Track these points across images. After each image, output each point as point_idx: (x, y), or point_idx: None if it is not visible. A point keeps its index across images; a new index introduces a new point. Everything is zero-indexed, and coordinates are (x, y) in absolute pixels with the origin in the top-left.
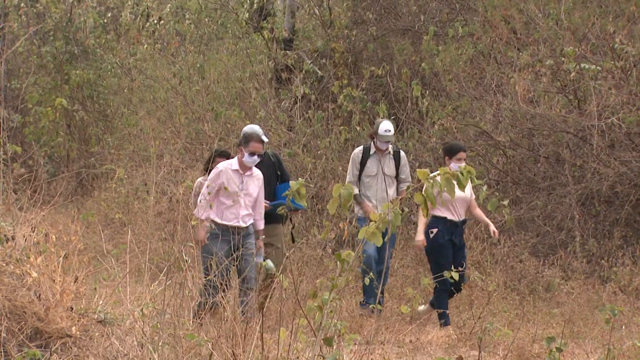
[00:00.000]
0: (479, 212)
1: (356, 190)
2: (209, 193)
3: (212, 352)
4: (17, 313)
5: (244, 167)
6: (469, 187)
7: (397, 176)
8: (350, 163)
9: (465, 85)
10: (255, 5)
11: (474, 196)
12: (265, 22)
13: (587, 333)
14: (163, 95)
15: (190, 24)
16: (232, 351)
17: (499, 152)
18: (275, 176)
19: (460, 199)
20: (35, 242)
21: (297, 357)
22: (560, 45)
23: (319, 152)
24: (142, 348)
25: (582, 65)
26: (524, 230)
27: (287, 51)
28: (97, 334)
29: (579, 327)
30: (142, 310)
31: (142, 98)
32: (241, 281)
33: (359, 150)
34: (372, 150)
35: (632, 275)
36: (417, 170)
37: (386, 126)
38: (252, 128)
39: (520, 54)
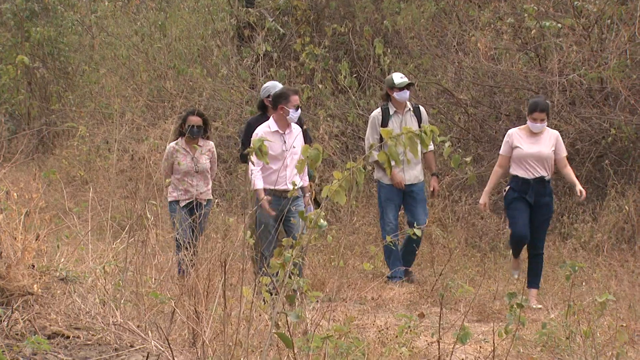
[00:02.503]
0: (568, 170)
1: (374, 157)
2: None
3: (174, 310)
4: None
5: (283, 126)
6: (549, 145)
7: None
8: (369, 127)
9: (427, 43)
10: None
11: (563, 154)
12: None
13: (548, 289)
14: (124, 53)
15: None
16: (195, 309)
17: (460, 110)
18: None
19: (533, 156)
20: None
21: (260, 315)
22: (521, 2)
23: None
24: (104, 306)
25: (543, 22)
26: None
27: (249, 8)
28: (59, 291)
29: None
30: (104, 268)
31: (104, 55)
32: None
33: (377, 112)
34: (392, 110)
35: (592, 232)
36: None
37: (399, 74)
38: (276, 84)
39: (482, 11)
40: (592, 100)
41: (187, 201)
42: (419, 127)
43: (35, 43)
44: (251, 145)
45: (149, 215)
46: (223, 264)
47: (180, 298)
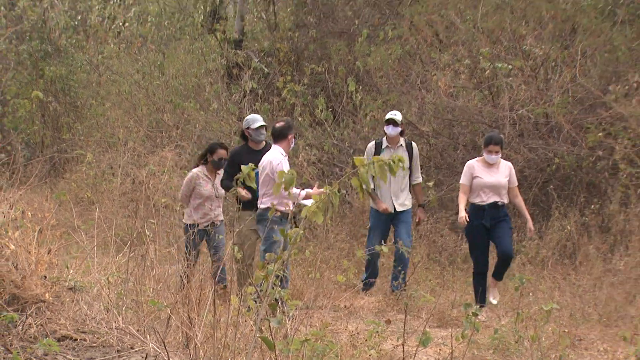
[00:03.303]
0: (519, 200)
1: (371, 185)
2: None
3: (170, 316)
4: None
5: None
6: (504, 174)
7: (410, 167)
8: (364, 156)
9: (393, 82)
10: (209, 9)
11: (515, 184)
12: (218, 24)
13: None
14: (127, 89)
15: (151, 26)
16: (188, 315)
17: (423, 141)
18: None
19: (492, 185)
20: (12, 219)
21: (245, 320)
22: (477, 46)
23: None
24: (107, 312)
25: (496, 64)
26: (445, 208)
27: (237, 50)
28: (67, 299)
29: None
30: (108, 278)
31: (109, 91)
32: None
33: (371, 144)
34: (385, 143)
35: (538, 249)
36: (353, 157)
37: (391, 112)
38: (256, 117)
39: (442, 54)
40: (538, 133)
41: (205, 224)
42: (410, 162)
43: (49, 80)
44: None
45: (148, 233)
46: (213, 276)
47: (175, 305)
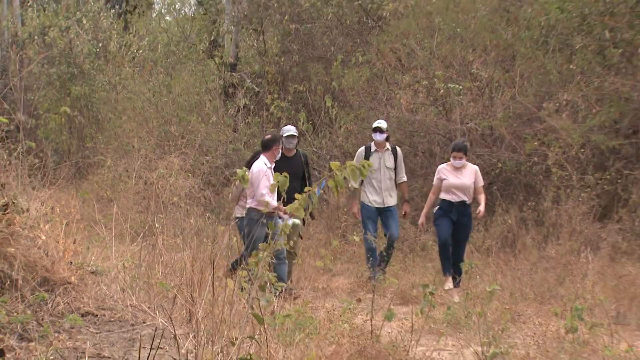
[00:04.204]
0: (482, 196)
1: (356, 185)
2: None
3: (176, 295)
4: (30, 266)
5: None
6: (470, 177)
7: (395, 168)
8: (355, 160)
9: (363, 99)
10: (209, 38)
11: (480, 184)
12: (216, 51)
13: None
14: (140, 105)
15: (161, 52)
16: (191, 295)
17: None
18: (302, 172)
19: (458, 185)
20: (44, 214)
21: (239, 299)
22: (433, 70)
23: (255, 147)
24: (123, 292)
25: (449, 85)
26: None
27: (233, 73)
28: (90, 281)
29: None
30: (123, 264)
31: (125, 107)
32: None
33: (362, 149)
34: (373, 148)
35: (484, 239)
36: (330, 162)
37: (377, 121)
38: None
39: (404, 76)
40: (484, 142)
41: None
42: (395, 163)
43: (75, 98)
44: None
45: (157, 225)
46: (212, 262)
47: (180, 286)
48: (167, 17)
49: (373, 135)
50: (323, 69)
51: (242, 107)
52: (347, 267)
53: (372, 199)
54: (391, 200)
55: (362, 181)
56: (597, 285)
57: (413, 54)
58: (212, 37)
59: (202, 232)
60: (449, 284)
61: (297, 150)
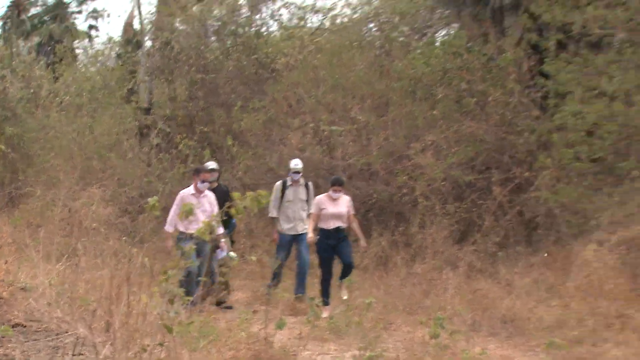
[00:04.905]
0: (355, 224)
1: (274, 214)
2: None
3: (95, 308)
4: None
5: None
6: (345, 206)
7: (307, 200)
8: (273, 192)
9: (260, 139)
10: (127, 86)
11: (352, 212)
12: (133, 97)
13: (334, 294)
14: (66, 143)
15: (85, 98)
16: (109, 307)
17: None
18: (224, 203)
19: (334, 214)
20: None
21: (151, 312)
22: (319, 114)
23: (166, 180)
24: (49, 306)
25: (332, 127)
26: None
27: (147, 116)
28: (20, 297)
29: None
30: (50, 281)
31: (52, 145)
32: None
33: (279, 183)
34: (289, 182)
35: (362, 258)
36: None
37: (294, 162)
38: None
39: (294, 120)
40: (362, 176)
41: None
42: (307, 196)
43: (8, 137)
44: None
45: (80, 248)
46: (128, 279)
47: (99, 301)
48: (91, 68)
49: (289, 174)
50: (225, 113)
51: (155, 145)
52: (245, 283)
53: (286, 227)
54: (302, 228)
55: (280, 211)
56: (455, 298)
57: (302, 101)
58: (130, 86)
59: (119, 253)
60: (326, 313)
61: (219, 183)
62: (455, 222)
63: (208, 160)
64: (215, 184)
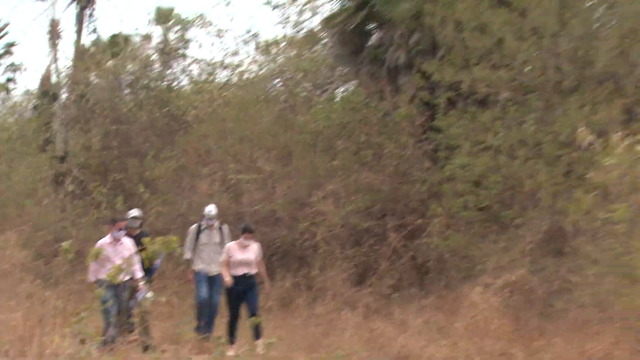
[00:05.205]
0: (262, 269)
1: (188, 256)
2: None
3: (8, 349)
4: None
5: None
6: (254, 253)
7: (221, 243)
8: (188, 235)
9: (171, 186)
10: (43, 136)
11: (260, 258)
12: (48, 146)
13: (242, 336)
14: None
15: (2, 147)
16: (22, 349)
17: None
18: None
19: (243, 261)
20: None
21: (64, 352)
22: (227, 164)
23: (80, 226)
24: None
25: (239, 176)
26: None
27: (62, 164)
28: None
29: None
30: None
31: None
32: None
33: (194, 227)
34: (204, 226)
35: (266, 300)
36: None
37: (209, 208)
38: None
39: (203, 169)
40: (267, 222)
41: None
42: (221, 239)
43: None
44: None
45: None
46: (40, 320)
47: (12, 342)
48: (9, 119)
49: (207, 220)
50: (138, 162)
51: (69, 192)
52: (154, 324)
53: (201, 267)
54: (216, 270)
55: (195, 253)
56: (354, 337)
57: (211, 151)
58: (46, 136)
59: (33, 296)
60: (232, 351)
61: (142, 230)
62: (353, 266)
63: (121, 207)
64: (138, 231)
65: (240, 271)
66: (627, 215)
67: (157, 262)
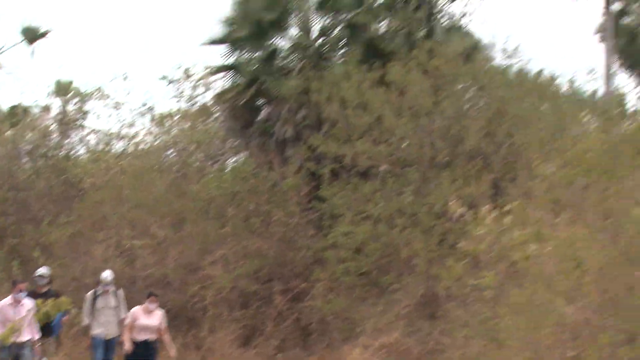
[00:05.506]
0: (167, 336)
1: (86, 321)
2: None
3: None
4: None
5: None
6: (158, 319)
7: (117, 307)
8: (85, 302)
9: (67, 250)
10: None
11: (164, 325)
12: None
13: None
14: None
15: None
16: None
17: (86, 289)
18: None
19: (148, 326)
20: None
21: None
22: (122, 229)
23: None
24: None
25: (133, 241)
26: None
27: None
28: None
29: None
30: None
31: None
32: None
33: (90, 293)
34: (100, 291)
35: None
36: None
37: (105, 274)
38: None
39: (99, 234)
40: (159, 285)
41: None
42: (117, 303)
43: None
44: None
45: None
46: None
47: None
48: None
49: (103, 286)
50: (34, 227)
51: None
52: None
53: (98, 332)
54: (114, 332)
55: (93, 318)
56: None
57: (107, 217)
58: None
59: None
60: None
61: (49, 289)
62: (241, 327)
63: (16, 271)
64: (46, 288)
65: (143, 336)
66: (494, 282)
67: (55, 321)
